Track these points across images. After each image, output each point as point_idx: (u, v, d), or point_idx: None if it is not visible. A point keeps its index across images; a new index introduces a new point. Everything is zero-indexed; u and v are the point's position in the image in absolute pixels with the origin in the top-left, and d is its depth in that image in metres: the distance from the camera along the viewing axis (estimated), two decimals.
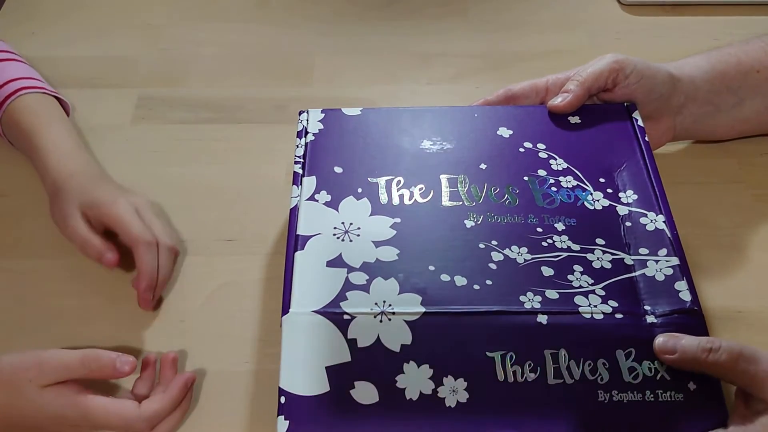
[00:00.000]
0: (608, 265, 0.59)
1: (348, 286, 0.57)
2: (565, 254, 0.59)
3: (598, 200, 0.63)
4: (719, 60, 0.73)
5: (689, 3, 0.95)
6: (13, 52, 0.79)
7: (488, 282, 0.57)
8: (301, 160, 0.66)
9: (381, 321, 0.56)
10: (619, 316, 0.56)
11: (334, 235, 0.61)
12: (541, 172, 0.65)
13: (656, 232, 0.61)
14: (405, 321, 0.55)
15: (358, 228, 0.61)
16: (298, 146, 0.67)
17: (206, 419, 0.60)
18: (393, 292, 0.57)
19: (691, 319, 0.56)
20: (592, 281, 0.58)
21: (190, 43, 0.90)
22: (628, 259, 0.59)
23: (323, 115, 0.70)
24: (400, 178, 0.65)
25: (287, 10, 0.95)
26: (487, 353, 0.54)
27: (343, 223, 0.61)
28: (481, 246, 0.60)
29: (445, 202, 0.63)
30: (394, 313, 0.56)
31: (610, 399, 0.53)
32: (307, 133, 0.68)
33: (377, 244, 0.60)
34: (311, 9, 0.95)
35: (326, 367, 0.54)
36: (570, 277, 0.58)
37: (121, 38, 0.91)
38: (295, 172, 0.65)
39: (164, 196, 0.74)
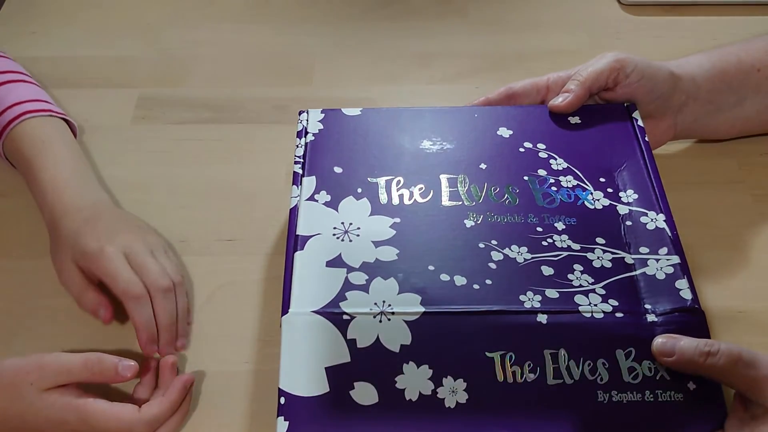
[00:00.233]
0: (608, 264, 0.59)
1: (347, 286, 0.57)
2: (565, 253, 0.59)
3: (598, 200, 0.63)
4: (720, 59, 0.73)
5: (689, 3, 0.94)
6: (22, 72, 0.77)
7: (488, 281, 0.57)
8: (301, 160, 0.66)
9: (380, 321, 0.55)
10: (619, 315, 0.56)
11: (334, 235, 0.61)
12: (541, 172, 0.65)
13: (657, 231, 0.61)
14: (404, 321, 0.55)
15: (358, 228, 0.61)
16: (298, 146, 0.67)
17: (206, 419, 0.59)
18: (392, 292, 0.57)
19: (692, 317, 0.56)
20: (593, 280, 0.58)
21: (190, 43, 0.90)
22: (629, 258, 0.59)
23: (323, 115, 0.70)
24: (400, 178, 0.65)
25: (287, 10, 0.95)
26: (487, 353, 0.54)
27: (342, 223, 0.61)
28: (481, 245, 0.60)
29: (445, 201, 0.63)
30: (393, 313, 0.56)
31: (610, 399, 0.53)
32: (307, 133, 0.68)
33: (377, 244, 0.60)
34: (311, 9, 0.95)
35: (326, 368, 0.54)
36: (570, 276, 0.58)
37: (121, 38, 0.91)
38: (294, 172, 0.65)
39: (164, 196, 0.74)
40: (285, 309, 0.56)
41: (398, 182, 0.64)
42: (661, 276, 0.58)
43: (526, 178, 0.64)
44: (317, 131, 0.68)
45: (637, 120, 0.68)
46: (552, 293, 0.57)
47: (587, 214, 0.62)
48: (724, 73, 0.72)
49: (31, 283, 0.68)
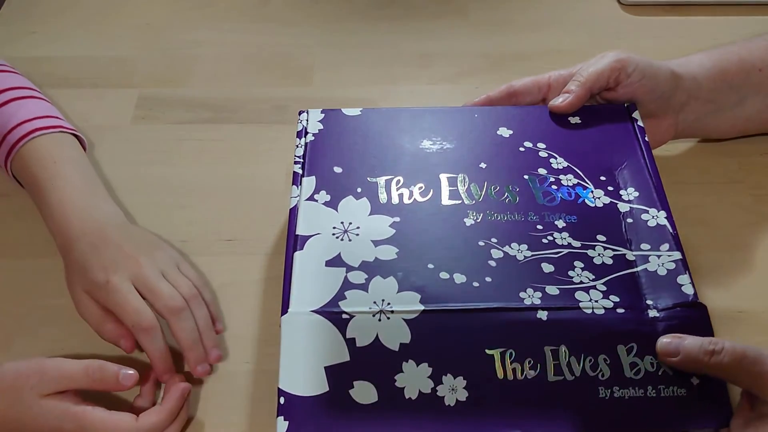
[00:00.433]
0: (609, 261, 0.58)
1: (347, 285, 0.57)
2: (565, 251, 0.59)
3: (598, 198, 0.63)
4: (721, 58, 0.72)
5: (689, 3, 0.94)
6: (32, 88, 0.75)
7: (488, 279, 0.57)
8: (301, 160, 0.66)
9: (380, 320, 0.55)
10: (620, 310, 0.56)
11: (334, 234, 0.60)
12: (542, 171, 0.65)
13: (658, 228, 0.60)
14: (404, 319, 0.55)
15: (358, 227, 0.61)
16: (297, 146, 0.67)
17: (206, 420, 0.59)
18: (392, 291, 0.57)
19: (694, 312, 0.56)
20: (593, 277, 0.57)
21: (190, 43, 0.90)
22: (630, 255, 0.59)
23: (323, 115, 0.70)
24: (400, 178, 0.64)
25: (287, 10, 0.95)
26: (487, 351, 0.54)
27: (342, 222, 0.61)
28: (481, 244, 0.59)
29: (445, 200, 0.63)
30: (392, 312, 0.56)
31: (612, 395, 0.53)
32: (306, 133, 0.68)
33: (376, 243, 0.60)
34: (311, 9, 0.95)
35: (325, 367, 0.54)
36: (570, 273, 0.58)
37: (121, 38, 0.91)
38: (294, 172, 0.65)
39: (164, 196, 0.74)
40: (284, 309, 0.56)
41: (398, 182, 0.64)
42: (662, 272, 0.58)
43: (526, 176, 0.64)
44: (317, 131, 0.68)
45: (637, 120, 0.68)
46: (552, 290, 0.57)
47: (588, 212, 0.62)
48: (726, 72, 0.72)
49: (31, 283, 0.68)
